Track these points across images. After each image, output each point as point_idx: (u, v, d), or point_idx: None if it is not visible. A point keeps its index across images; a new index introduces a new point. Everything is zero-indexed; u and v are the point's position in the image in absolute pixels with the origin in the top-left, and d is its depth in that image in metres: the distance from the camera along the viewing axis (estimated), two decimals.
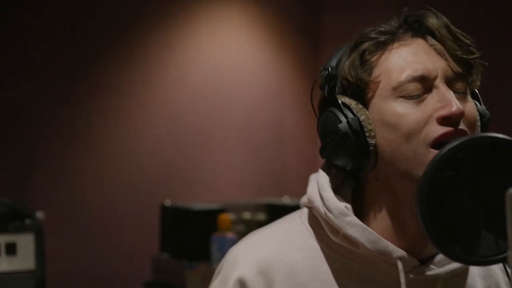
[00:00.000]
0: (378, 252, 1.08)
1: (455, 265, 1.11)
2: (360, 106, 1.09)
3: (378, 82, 1.09)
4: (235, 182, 4.77)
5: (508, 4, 3.79)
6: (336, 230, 1.10)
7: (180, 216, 3.66)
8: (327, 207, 1.10)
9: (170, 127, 4.54)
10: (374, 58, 1.10)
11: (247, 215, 3.80)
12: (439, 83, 1.07)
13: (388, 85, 1.08)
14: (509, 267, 0.81)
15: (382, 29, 1.12)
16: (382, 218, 1.12)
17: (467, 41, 1.10)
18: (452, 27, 1.10)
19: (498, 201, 0.91)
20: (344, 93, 1.12)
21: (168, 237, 3.74)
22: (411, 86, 1.06)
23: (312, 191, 1.14)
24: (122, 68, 4.41)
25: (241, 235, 3.53)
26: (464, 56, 1.09)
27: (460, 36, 1.10)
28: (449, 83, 1.07)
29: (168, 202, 3.82)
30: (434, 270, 1.10)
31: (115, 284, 4.25)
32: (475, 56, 1.10)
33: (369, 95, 1.10)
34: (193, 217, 3.57)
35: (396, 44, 1.10)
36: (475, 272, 1.19)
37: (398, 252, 1.09)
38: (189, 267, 3.46)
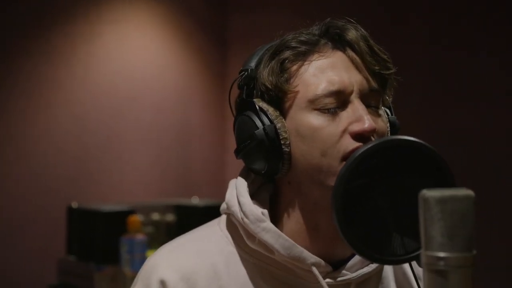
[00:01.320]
0: (292, 258, 1.10)
1: (367, 269, 1.14)
2: (277, 113, 1.11)
3: (296, 92, 1.10)
4: (144, 182, 4.73)
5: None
6: (252, 236, 1.12)
7: (87, 218, 3.60)
8: (243, 212, 1.11)
9: (76, 127, 4.46)
10: (293, 68, 1.11)
11: (156, 216, 3.77)
12: (354, 98, 1.09)
13: (305, 97, 1.10)
14: (420, 266, 0.84)
15: (303, 38, 1.13)
16: (296, 219, 1.14)
17: (385, 56, 1.13)
18: (371, 41, 1.13)
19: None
20: (262, 98, 1.13)
21: (75, 239, 3.67)
22: (327, 100, 1.08)
23: (230, 196, 1.15)
24: (27, 67, 4.30)
25: (150, 236, 3.52)
26: (381, 72, 1.12)
27: (378, 51, 1.12)
28: (364, 97, 1.10)
29: (75, 204, 3.76)
30: (347, 275, 1.13)
31: (18, 287, 4.16)
32: (391, 71, 1.13)
33: (287, 103, 1.11)
34: (101, 218, 3.52)
35: (316, 55, 1.11)
36: (389, 274, 1.22)
37: (312, 258, 1.11)
38: (97, 269, 3.41)
